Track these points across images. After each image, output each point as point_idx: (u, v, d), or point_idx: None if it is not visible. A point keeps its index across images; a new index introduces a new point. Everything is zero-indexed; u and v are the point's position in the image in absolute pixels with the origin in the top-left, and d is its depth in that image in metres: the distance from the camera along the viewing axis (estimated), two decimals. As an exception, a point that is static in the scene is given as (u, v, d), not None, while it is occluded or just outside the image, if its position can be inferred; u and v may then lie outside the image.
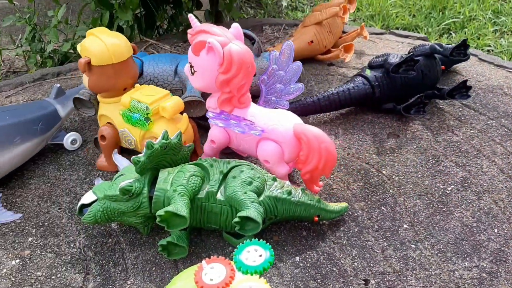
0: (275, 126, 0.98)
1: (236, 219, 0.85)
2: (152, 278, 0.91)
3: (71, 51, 1.84)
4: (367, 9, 2.47)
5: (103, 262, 0.94)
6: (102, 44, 1.08)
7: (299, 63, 1.10)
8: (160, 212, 0.84)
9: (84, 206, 0.94)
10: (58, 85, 1.24)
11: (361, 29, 1.59)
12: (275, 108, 1.10)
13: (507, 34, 2.14)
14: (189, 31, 0.99)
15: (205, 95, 1.17)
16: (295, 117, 1.01)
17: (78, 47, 1.11)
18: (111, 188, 0.92)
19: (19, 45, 1.92)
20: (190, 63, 1.00)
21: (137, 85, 1.15)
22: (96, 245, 0.98)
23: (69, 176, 1.16)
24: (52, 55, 1.81)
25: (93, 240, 0.99)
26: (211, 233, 0.99)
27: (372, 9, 2.61)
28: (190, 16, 1.00)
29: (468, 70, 1.52)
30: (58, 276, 0.92)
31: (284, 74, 1.10)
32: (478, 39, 2.08)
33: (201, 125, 1.30)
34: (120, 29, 1.67)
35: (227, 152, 1.18)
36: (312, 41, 1.49)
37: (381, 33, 1.79)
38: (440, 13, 2.42)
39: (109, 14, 1.61)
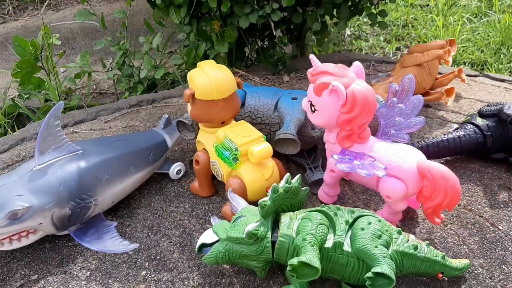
0: (399, 163, 0.97)
1: (369, 275, 0.83)
2: (270, 325, 0.89)
3: (159, 77, 1.88)
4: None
5: (219, 303, 0.94)
6: (207, 79, 1.09)
7: (420, 96, 1.07)
8: (293, 261, 0.82)
9: (204, 245, 0.94)
10: (167, 115, 1.26)
11: (459, 71, 1.55)
12: (394, 141, 1.08)
13: None
14: (309, 71, 1.01)
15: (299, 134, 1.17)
16: (417, 152, 1.01)
17: (188, 76, 1.13)
18: (233, 229, 0.92)
19: (110, 68, 1.97)
20: (311, 101, 1.02)
21: (233, 121, 1.16)
22: (210, 285, 0.97)
23: (175, 208, 1.17)
24: (141, 80, 1.85)
25: (207, 279, 0.98)
26: (326, 281, 0.96)
27: (439, 44, 2.56)
28: (312, 57, 1.02)
29: None
30: (176, 314, 0.92)
31: (404, 108, 1.08)
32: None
33: (294, 161, 1.29)
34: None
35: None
36: (412, 83, 1.46)
37: (475, 75, 1.74)
38: (511, 49, 2.36)
39: (204, 45, 1.63)
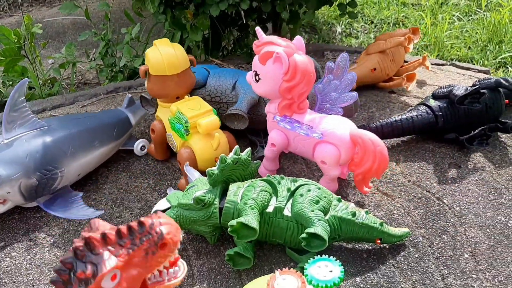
0: (333, 129, 1.05)
1: (303, 235, 0.89)
2: (217, 286, 0.95)
3: (139, 66, 1.95)
4: (422, 39, 2.48)
5: (171, 267, 0.99)
6: (159, 56, 1.18)
7: (353, 73, 1.15)
8: (232, 222, 0.88)
9: (158, 212, 1.00)
10: (130, 95, 1.34)
11: (424, 59, 1.61)
12: (330, 114, 1.15)
13: None
14: (255, 42, 1.09)
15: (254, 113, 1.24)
16: (349, 122, 1.08)
17: (145, 54, 1.21)
18: (185, 197, 0.98)
19: (93, 58, 2.04)
20: (255, 71, 1.08)
21: (186, 96, 1.23)
22: (165, 250, 1.03)
23: (140, 184, 1.23)
24: (122, 69, 1.92)
25: (162, 245, 1.04)
26: (273, 247, 1.02)
27: (426, 40, 2.61)
28: (257, 29, 1.10)
29: (531, 106, 1.51)
30: (129, 276, 0.97)
31: (339, 84, 1.16)
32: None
33: (249, 139, 1.35)
34: (188, 49, 1.76)
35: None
36: (375, 69, 1.53)
37: (442, 64, 1.80)
38: (497, 46, 2.40)
39: (180, 34, 1.70)
